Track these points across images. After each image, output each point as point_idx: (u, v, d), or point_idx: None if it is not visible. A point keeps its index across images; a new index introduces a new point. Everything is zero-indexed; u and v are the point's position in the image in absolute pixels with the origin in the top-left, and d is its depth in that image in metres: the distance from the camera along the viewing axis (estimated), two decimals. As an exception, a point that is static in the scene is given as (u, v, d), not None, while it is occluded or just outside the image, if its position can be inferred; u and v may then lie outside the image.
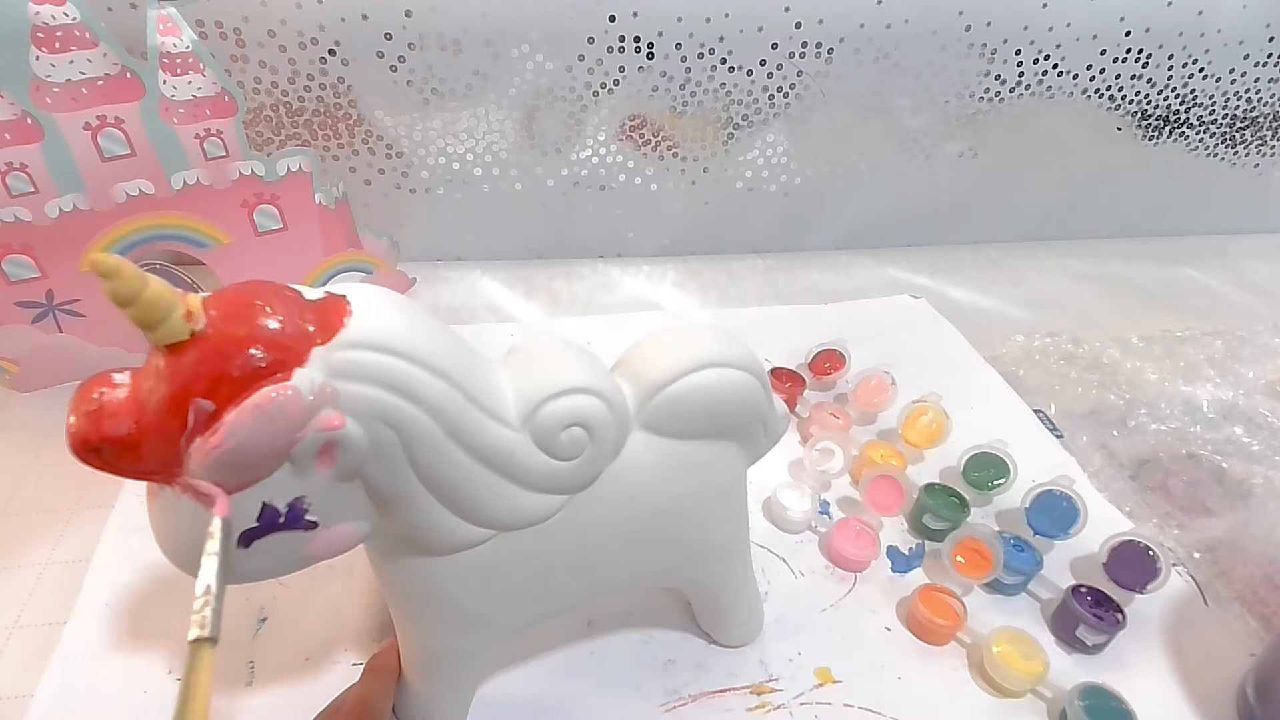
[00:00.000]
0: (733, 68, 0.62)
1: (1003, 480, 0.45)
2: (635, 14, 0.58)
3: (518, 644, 0.35)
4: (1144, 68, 0.68)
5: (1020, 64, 0.66)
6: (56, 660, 0.34)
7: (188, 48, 0.45)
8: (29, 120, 0.42)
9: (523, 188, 0.66)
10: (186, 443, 0.21)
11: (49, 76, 0.42)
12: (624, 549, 0.30)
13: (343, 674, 0.35)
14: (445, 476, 0.24)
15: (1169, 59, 0.68)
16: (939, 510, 0.42)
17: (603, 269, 0.71)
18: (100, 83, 0.43)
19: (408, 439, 0.23)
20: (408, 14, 0.55)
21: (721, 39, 0.60)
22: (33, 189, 0.43)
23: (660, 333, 0.30)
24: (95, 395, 0.21)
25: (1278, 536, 0.44)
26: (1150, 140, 0.74)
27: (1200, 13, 0.66)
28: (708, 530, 0.32)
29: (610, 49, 0.59)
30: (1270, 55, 0.70)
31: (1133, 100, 0.71)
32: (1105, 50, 0.67)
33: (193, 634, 0.19)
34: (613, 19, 0.58)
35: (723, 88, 0.63)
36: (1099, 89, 0.69)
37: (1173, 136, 0.74)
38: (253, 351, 0.20)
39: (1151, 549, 0.39)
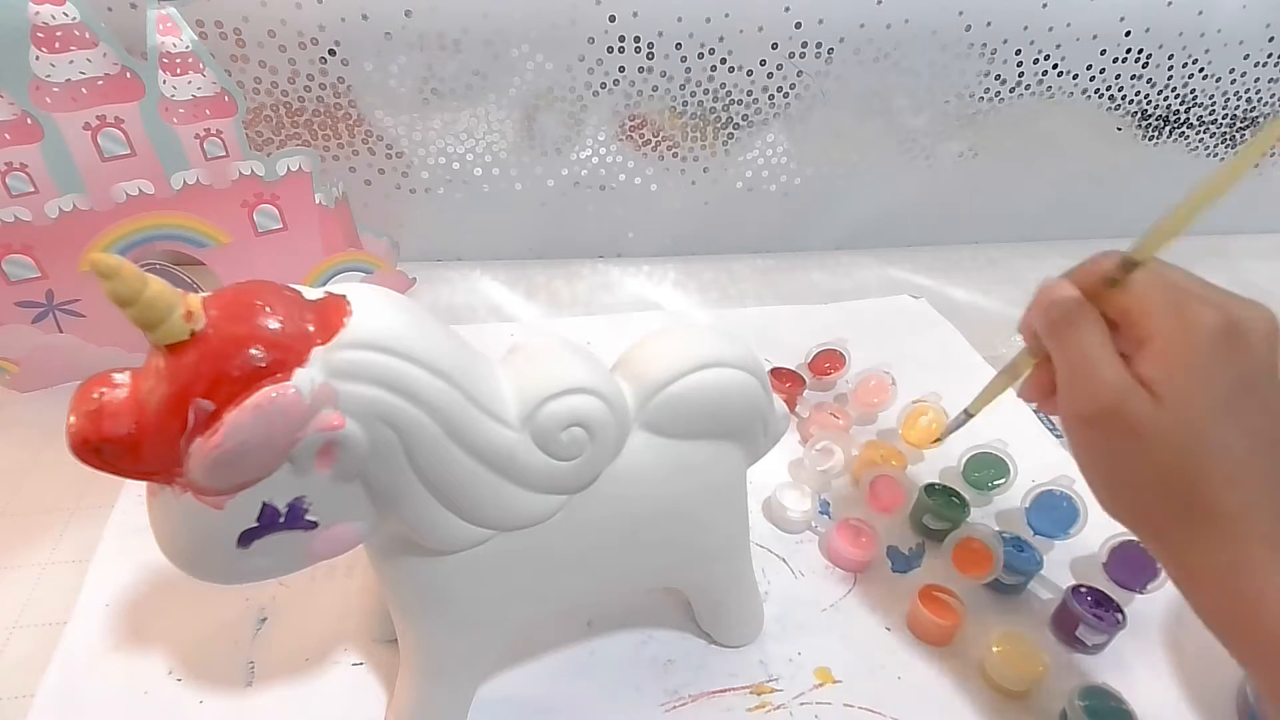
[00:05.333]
0: (733, 68, 0.62)
1: (1003, 480, 0.45)
2: (635, 14, 0.58)
3: (518, 644, 0.35)
4: (1144, 68, 0.68)
5: (1020, 64, 0.66)
6: (57, 660, 0.34)
7: (188, 48, 0.45)
8: (29, 120, 0.42)
9: (523, 188, 0.66)
10: (186, 443, 0.21)
11: (49, 76, 0.42)
12: (624, 549, 0.30)
13: (343, 674, 0.35)
14: (445, 476, 0.24)
15: (1169, 59, 0.68)
16: (939, 510, 0.42)
17: (603, 269, 0.71)
18: (100, 83, 0.43)
19: (408, 439, 0.23)
20: (408, 14, 0.55)
21: (721, 39, 0.60)
22: (33, 189, 0.43)
23: (660, 333, 0.30)
24: (95, 395, 0.21)
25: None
26: (1150, 140, 0.74)
27: (1200, 13, 0.66)
28: (708, 530, 0.32)
29: (610, 49, 0.59)
30: (1270, 55, 0.70)
31: (1133, 100, 0.71)
32: (1105, 50, 0.67)
33: None
34: (613, 19, 0.58)
35: (723, 88, 0.63)
36: (1099, 89, 0.69)
37: (1173, 136, 0.74)
38: (253, 351, 0.20)
39: (1151, 549, 0.39)
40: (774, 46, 0.61)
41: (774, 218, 0.72)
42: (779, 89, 0.64)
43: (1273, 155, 0.78)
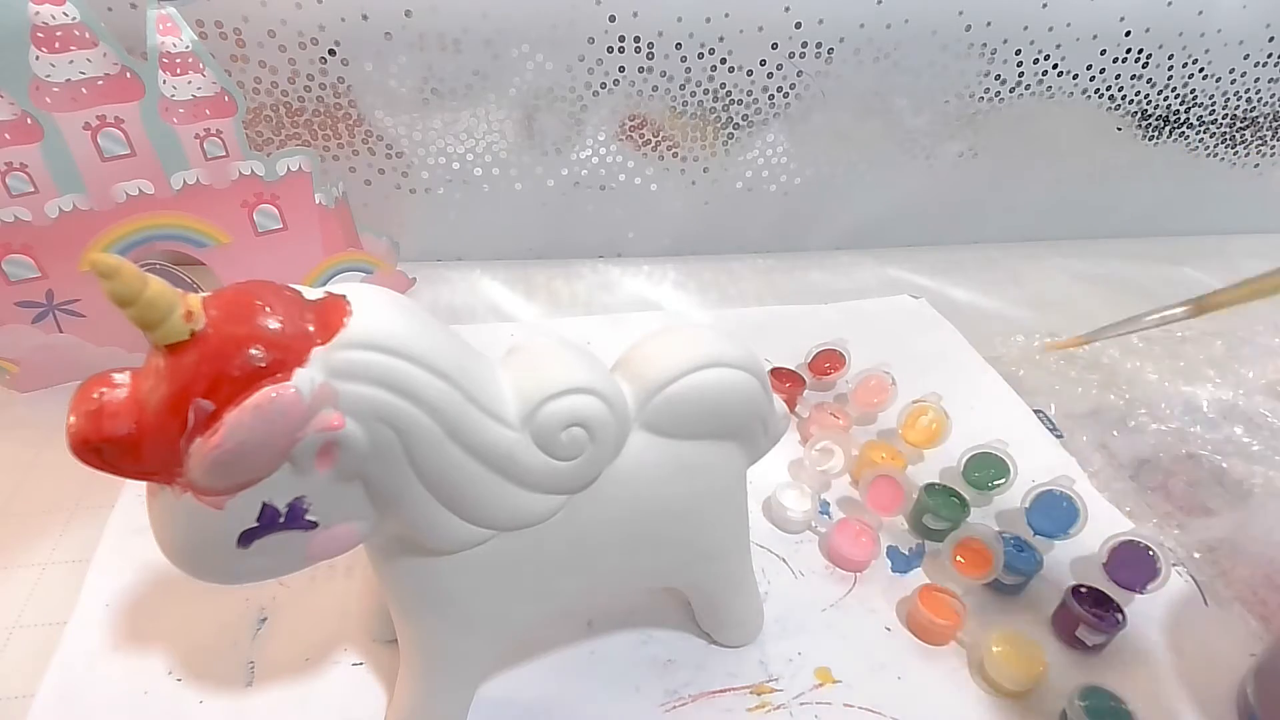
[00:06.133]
0: (733, 68, 0.62)
1: (1003, 480, 0.45)
2: (635, 14, 0.58)
3: (518, 644, 0.35)
4: (1144, 68, 0.69)
5: (1020, 64, 0.66)
6: (56, 661, 0.34)
7: (188, 48, 0.45)
8: (29, 120, 0.42)
9: (523, 188, 0.66)
10: (186, 443, 0.21)
11: (49, 76, 0.42)
12: (624, 549, 0.30)
13: (343, 674, 0.35)
14: (445, 476, 0.24)
15: (1169, 59, 0.69)
16: (939, 510, 0.42)
17: (603, 269, 0.71)
18: (100, 83, 0.43)
19: (408, 439, 0.23)
20: (408, 14, 0.55)
21: (721, 39, 0.60)
22: (33, 189, 0.43)
23: (660, 333, 0.30)
24: (95, 395, 0.21)
25: (1278, 536, 0.44)
26: (1150, 140, 0.74)
27: (1200, 13, 0.66)
28: (708, 530, 0.32)
29: (610, 49, 0.59)
30: (1270, 55, 0.70)
31: (1133, 100, 0.71)
32: (1105, 50, 0.67)
33: None
34: (613, 19, 0.58)
35: (723, 88, 0.63)
36: (1099, 89, 0.69)
37: (1173, 136, 0.74)
38: (253, 351, 0.20)
39: (1151, 549, 0.39)
40: (774, 46, 0.61)
41: (774, 218, 0.72)
42: (779, 89, 0.64)
43: (1273, 155, 0.78)
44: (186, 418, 0.20)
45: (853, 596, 0.40)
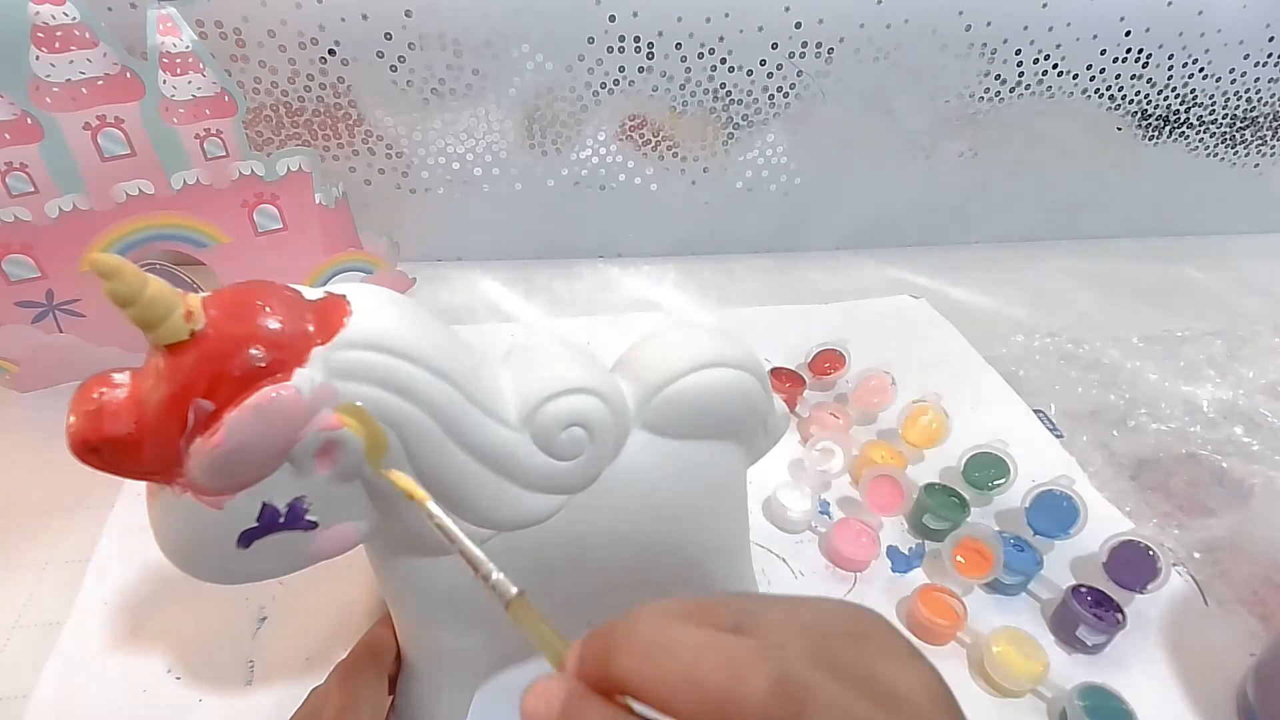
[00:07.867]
0: (733, 68, 0.62)
1: (1003, 480, 0.45)
2: (635, 14, 0.58)
3: (518, 644, 0.35)
4: (1144, 68, 0.68)
5: (1020, 64, 0.66)
6: (56, 660, 0.34)
7: (188, 48, 0.44)
8: (29, 120, 0.42)
9: (523, 188, 0.66)
10: (186, 443, 0.21)
11: (49, 76, 0.42)
12: (624, 548, 0.30)
13: (343, 674, 0.35)
14: (445, 476, 0.24)
15: (1169, 59, 0.68)
16: (939, 510, 0.42)
17: (603, 269, 0.71)
18: (100, 83, 0.43)
19: (407, 439, 0.23)
20: (408, 14, 0.55)
21: (721, 39, 0.60)
22: (33, 189, 0.43)
23: (660, 332, 0.30)
24: (95, 395, 0.21)
25: (1278, 536, 0.44)
26: (1150, 140, 0.74)
27: (1200, 13, 0.66)
28: (708, 530, 0.32)
29: (610, 49, 0.59)
30: (1270, 55, 0.70)
31: (1133, 100, 0.71)
32: (1105, 50, 0.67)
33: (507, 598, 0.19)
34: (613, 19, 0.58)
35: (723, 88, 0.63)
36: (1099, 89, 0.69)
37: (1173, 136, 0.74)
38: (253, 351, 0.20)
39: (1151, 549, 0.39)
40: (774, 46, 0.61)
41: (774, 218, 0.72)
42: (779, 89, 0.64)
43: (1273, 155, 0.78)
44: (186, 418, 0.20)
45: (853, 596, 0.40)
